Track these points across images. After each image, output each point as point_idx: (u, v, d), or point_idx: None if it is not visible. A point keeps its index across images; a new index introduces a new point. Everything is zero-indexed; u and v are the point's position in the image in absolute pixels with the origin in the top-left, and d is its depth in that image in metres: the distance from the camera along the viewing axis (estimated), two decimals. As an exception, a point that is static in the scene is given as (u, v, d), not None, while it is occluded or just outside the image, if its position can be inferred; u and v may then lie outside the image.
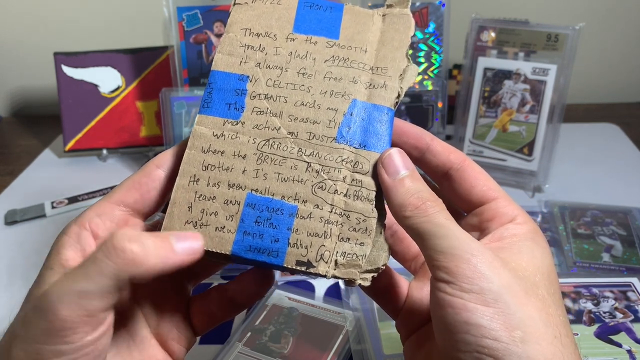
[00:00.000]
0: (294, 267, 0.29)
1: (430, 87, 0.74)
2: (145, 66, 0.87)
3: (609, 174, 0.79)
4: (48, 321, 0.24)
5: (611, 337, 0.50)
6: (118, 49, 0.86)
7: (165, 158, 0.31)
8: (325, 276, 0.29)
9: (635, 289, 0.55)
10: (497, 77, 0.73)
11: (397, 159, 0.30)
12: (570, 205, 0.69)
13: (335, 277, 0.30)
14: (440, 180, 0.33)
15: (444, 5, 0.74)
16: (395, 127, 0.32)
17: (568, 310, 0.52)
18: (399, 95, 0.32)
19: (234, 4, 0.34)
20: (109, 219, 0.29)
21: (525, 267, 0.28)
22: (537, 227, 0.31)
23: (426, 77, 0.75)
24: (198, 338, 0.54)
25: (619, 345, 0.49)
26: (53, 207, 0.73)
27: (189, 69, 0.79)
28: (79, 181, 0.79)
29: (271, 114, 0.31)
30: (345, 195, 0.30)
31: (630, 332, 0.50)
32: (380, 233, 0.30)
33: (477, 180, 0.32)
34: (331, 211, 0.30)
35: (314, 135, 0.31)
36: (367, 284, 0.30)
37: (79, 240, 0.28)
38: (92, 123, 0.86)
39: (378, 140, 0.31)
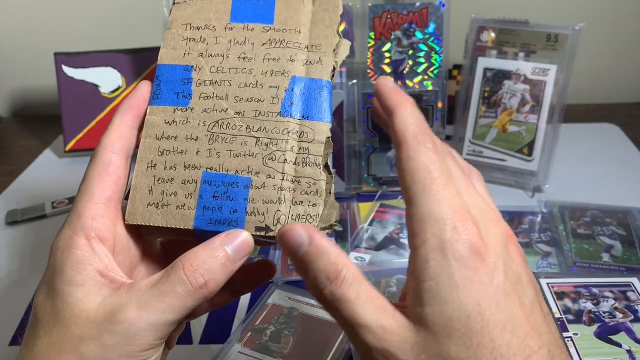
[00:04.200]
0: (253, 233, 0.31)
1: (430, 87, 0.74)
2: (146, 66, 0.87)
3: (609, 174, 0.79)
4: (134, 345, 0.27)
5: (611, 337, 0.50)
6: (118, 49, 0.87)
7: (113, 141, 0.32)
8: None
9: (635, 289, 0.55)
10: (497, 77, 0.73)
11: (288, 238, 0.28)
12: (570, 205, 0.69)
13: None
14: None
15: (443, 5, 0.74)
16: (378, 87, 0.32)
17: (568, 310, 0.53)
18: (334, 69, 0.34)
19: (174, 3, 0.36)
20: (104, 218, 0.30)
21: (430, 337, 0.24)
22: (437, 243, 0.24)
23: (426, 77, 0.75)
24: (198, 337, 0.54)
25: (619, 345, 0.49)
26: (53, 207, 0.73)
27: (189, 69, 0.79)
28: (79, 181, 0.79)
29: (217, 97, 0.33)
30: (294, 163, 0.32)
31: (630, 332, 0.50)
32: (330, 193, 0.32)
33: (406, 164, 0.27)
34: (283, 179, 0.32)
35: (260, 112, 0.33)
36: None
37: (94, 252, 0.29)
38: (93, 123, 0.86)
39: (319, 111, 0.33)
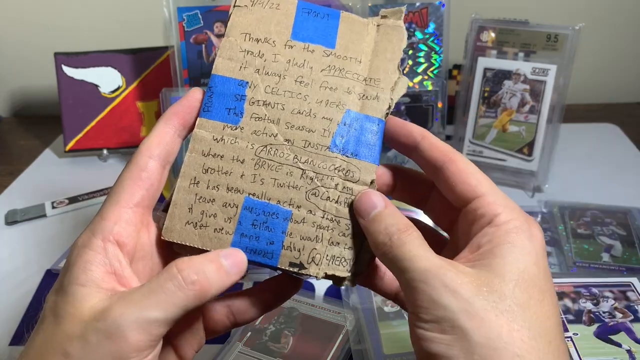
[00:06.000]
0: (287, 269, 0.31)
1: (430, 87, 0.74)
2: (146, 66, 0.87)
3: (609, 174, 0.79)
4: (116, 344, 0.26)
5: (611, 337, 0.50)
6: (118, 49, 0.87)
7: (152, 146, 0.31)
8: (316, 277, 0.31)
9: (635, 289, 0.55)
10: (497, 77, 0.74)
11: (365, 200, 0.31)
12: (570, 205, 0.69)
13: (325, 277, 0.31)
14: (434, 179, 0.33)
15: (444, 5, 0.74)
16: (388, 125, 0.33)
17: (567, 310, 0.53)
18: (389, 107, 0.33)
19: (234, 5, 0.34)
20: (127, 224, 0.29)
21: (496, 277, 0.27)
22: (521, 222, 0.29)
23: (426, 77, 0.75)
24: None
25: (619, 345, 0.49)
26: (53, 207, 0.73)
27: (189, 69, 0.79)
28: (79, 181, 0.79)
29: (269, 121, 0.32)
30: (336, 202, 0.31)
31: (630, 332, 0.50)
32: (367, 238, 0.31)
33: (458, 177, 0.30)
34: (323, 217, 0.31)
35: (309, 143, 0.32)
36: (353, 285, 0.32)
37: (107, 255, 0.28)
38: (93, 123, 0.86)
39: (369, 150, 0.32)
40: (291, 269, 0.31)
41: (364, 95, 0.33)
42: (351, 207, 0.31)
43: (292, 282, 0.34)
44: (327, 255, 0.31)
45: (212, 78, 0.33)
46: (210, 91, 0.32)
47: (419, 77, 0.75)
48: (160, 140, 0.31)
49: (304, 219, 0.31)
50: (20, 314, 0.57)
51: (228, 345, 0.51)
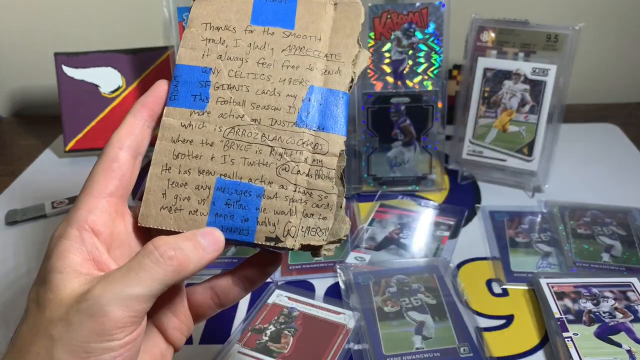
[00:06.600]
0: (263, 243, 0.32)
1: (430, 88, 0.74)
2: (146, 66, 0.87)
3: (609, 174, 0.79)
4: (99, 323, 0.26)
5: (611, 337, 0.50)
6: (118, 49, 0.87)
7: (122, 138, 0.32)
8: (292, 249, 0.32)
9: (635, 289, 0.55)
10: (497, 78, 0.73)
11: None
12: (570, 205, 0.69)
13: (301, 249, 0.32)
14: None
15: (444, 5, 0.74)
16: None
17: (568, 310, 0.53)
18: (352, 80, 0.34)
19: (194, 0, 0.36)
20: (102, 213, 0.30)
21: None
22: None
23: (426, 77, 0.75)
24: (198, 337, 0.54)
25: (619, 345, 0.49)
26: (53, 207, 0.73)
27: (189, 69, 0.79)
28: (79, 181, 0.78)
29: (235, 103, 0.33)
30: (307, 175, 0.32)
31: (630, 332, 0.50)
32: (341, 207, 0.32)
33: None
34: (295, 190, 0.32)
35: (276, 121, 0.33)
36: (331, 253, 0.33)
37: (83, 243, 0.29)
38: (93, 123, 0.86)
39: (335, 123, 0.33)
40: (268, 244, 0.32)
41: (326, 70, 0.34)
42: (323, 178, 0.32)
43: (272, 257, 0.35)
44: (302, 227, 0.32)
45: (176, 68, 0.34)
46: (175, 80, 0.34)
47: (419, 77, 0.75)
48: (130, 132, 0.32)
49: (276, 194, 0.32)
50: (20, 314, 0.57)
51: (228, 345, 0.51)
